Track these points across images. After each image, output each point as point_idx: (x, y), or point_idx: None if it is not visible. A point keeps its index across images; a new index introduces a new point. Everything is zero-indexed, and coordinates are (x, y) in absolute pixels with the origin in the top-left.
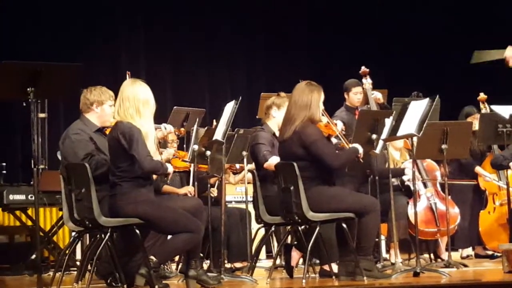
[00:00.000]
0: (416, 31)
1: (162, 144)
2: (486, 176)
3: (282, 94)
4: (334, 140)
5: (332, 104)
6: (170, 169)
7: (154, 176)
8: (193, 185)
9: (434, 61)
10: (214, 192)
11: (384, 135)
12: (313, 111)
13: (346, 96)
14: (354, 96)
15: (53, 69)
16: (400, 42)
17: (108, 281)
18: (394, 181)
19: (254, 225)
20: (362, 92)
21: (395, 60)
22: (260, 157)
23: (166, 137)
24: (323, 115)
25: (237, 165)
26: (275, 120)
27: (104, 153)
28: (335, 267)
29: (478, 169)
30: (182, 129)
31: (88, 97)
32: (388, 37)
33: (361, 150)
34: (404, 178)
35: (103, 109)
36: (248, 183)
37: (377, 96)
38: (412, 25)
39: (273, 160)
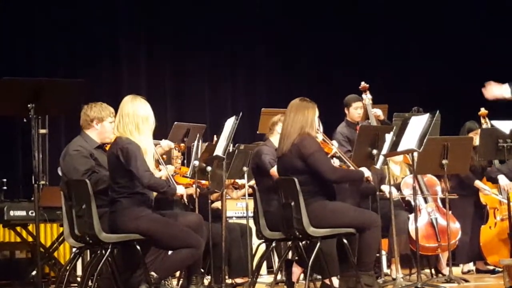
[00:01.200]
0: (417, 46)
1: (166, 160)
2: (486, 189)
3: None
4: (336, 161)
5: (334, 119)
6: (180, 190)
7: (154, 194)
8: (194, 201)
9: (435, 76)
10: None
11: (384, 150)
12: (309, 127)
13: (346, 111)
14: (355, 111)
15: (54, 85)
16: (400, 57)
17: None
18: (395, 197)
19: (255, 241)
20: (363, 107)
21: (396, 75)
22: (265, 165)
23: (171, 153)
24: (318, 132)
25: (239, 181)
26: (278, 136)
27: (106, 169)
28: (336, 282)
29: (477, 183)
30: (183, 144)
31: (89, 114)
32: (388, 52)
33: (367, 173)
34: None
35: (103, 125)
36: (250, 195)
37: (377, 113)
38: (414, 40)
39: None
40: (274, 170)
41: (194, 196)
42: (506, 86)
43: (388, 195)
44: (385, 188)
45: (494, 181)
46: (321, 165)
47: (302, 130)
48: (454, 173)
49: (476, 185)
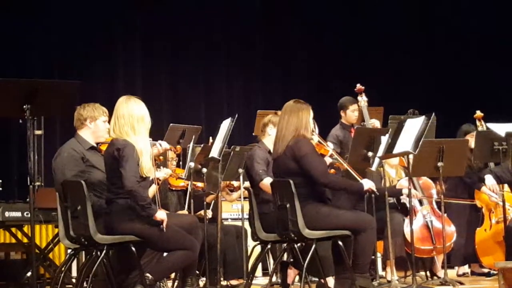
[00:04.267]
0: (411, 49)
1: (163, 163)
2: (492, 196)
3: (279, 112)
4: (328, 159)
5: (330, 121)
6: (161, 215)
7: (151, 195)
8: (190, 203)
9: (430, 78)
10: (209, 213)
11: (380, 152)
12: (304, 129)
13: (342, 114)
14: (352, 114)
15: (49, 87)
16: (395, 59)
17: None
18: (390, 199)
19: (250, 243)
20: (359, 110)
21: (391, 77)
22: (254, 176)
23: (166, 155)
24: (313, 133)
25: (235, 183)
26: (270, 138)
27: (98, 169)
28: (331, 282)
29: (484, 189)
30: (178, 146)
31: (82, 113)
32: (384, 54)
33: (369, 185)
34: (402, 198)
35: (96, 124)
36: (245, 198)
37: (375, 124)
38: (407, 43)
39: (267, 181)
40: (263, 183)
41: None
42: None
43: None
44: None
45: (481, 180)
46: (313, 168)
47: (296, 132)
48: (450, 176)
49: (483, 192)
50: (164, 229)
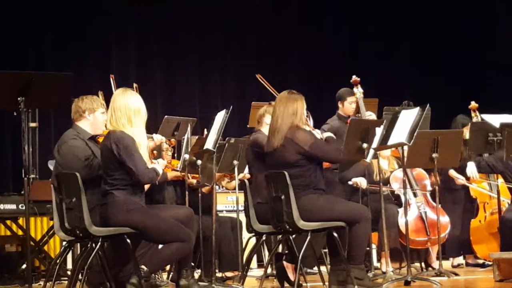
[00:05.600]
0: (409, 41)
1: (157, 155)
2: (459, 178)
3: (273, 103)
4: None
5: (326, 112)
6: (160, 169)
7: (146, 186)
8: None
9: (425, 69)
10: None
11: (374, 144)
12: (298, 119)
13: (340, 105)
14: (349, 105)
15: (43, 79)
16: (392, 50)
17: None
18: (385, 191)
19: (245, 234)
20: (356, 101)
21: (386, 69)
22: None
23: (161, 147)
24: (306, 123)
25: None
26: (268, 127)
27: (99, 159)
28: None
29: (451, 172)
30: (173, 139)
31: (80, 105)
32: (379, 46)
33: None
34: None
35: (95, 116)
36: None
37: (372, 117)
38: (405, 34)
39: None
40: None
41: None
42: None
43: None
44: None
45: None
46: (326, 152)
47: (292, 123)
48: (444, 168)
49: (450, 174)
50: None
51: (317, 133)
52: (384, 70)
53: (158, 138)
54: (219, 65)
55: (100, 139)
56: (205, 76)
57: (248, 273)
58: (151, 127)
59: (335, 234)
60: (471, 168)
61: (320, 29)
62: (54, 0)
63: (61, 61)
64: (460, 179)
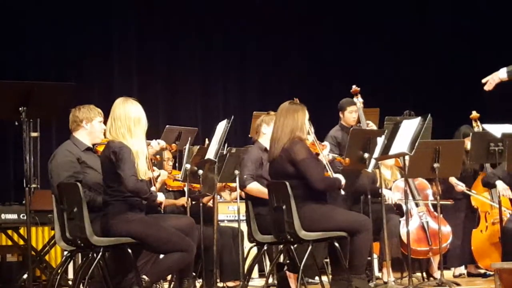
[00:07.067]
0: (408, 49)
1: (159, 163)
2: (458, 184)
3: (272, 112)
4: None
5: (327, 122)
6: (161, 198)
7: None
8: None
9: (427, 78)
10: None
11: (376, 154)
12: (299, 130)
13: (341, 115)
14: (350, 115)
15: (45, 89)
16: (393, 60)
17: None
18: (386, 200)
19: (247, 244)
20: (357, 111)
21: (388, 79)
22: (242, 180)
23: (162, 155)
24: (309, 134)
25: (233, 185)
26: (266, 136)
27: (95, 170)
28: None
29: (452, 179)
30: (174, 145)
31: (77, 115)
32: (380, 55)
33: (343, 182)
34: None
35: (92, 125)
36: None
37: (372, 126)
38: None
39: (252, 186)
40: (248, 189)
41: (186, 205)
42: (502, 69)
43: (388, 200)
44: (386, 192)
45: (491, 186)
46: (311, 173)
47: (292, 134)
48: (446, 177)
49: (450, 181)
50: (162, 210)
51: (327, 148)
52: (386, 79)
53: (159, 143)
54: (221, 74)
55: (99, 147)
56: (206, 86)
57: (250, 283)
58: (153, 137)
59: (337, 244)
60: (502, 185)
61: (322, 37)
62: (54, 0)
63: (63, 71)
64: (460, 186)
